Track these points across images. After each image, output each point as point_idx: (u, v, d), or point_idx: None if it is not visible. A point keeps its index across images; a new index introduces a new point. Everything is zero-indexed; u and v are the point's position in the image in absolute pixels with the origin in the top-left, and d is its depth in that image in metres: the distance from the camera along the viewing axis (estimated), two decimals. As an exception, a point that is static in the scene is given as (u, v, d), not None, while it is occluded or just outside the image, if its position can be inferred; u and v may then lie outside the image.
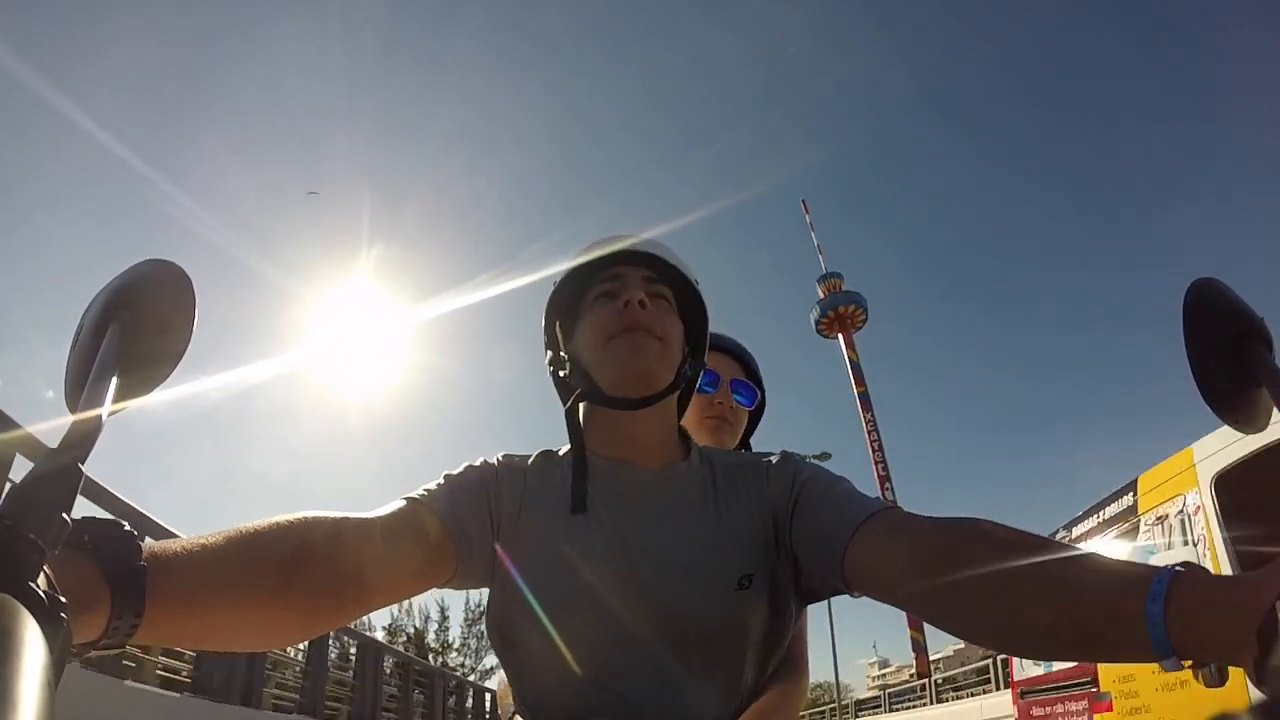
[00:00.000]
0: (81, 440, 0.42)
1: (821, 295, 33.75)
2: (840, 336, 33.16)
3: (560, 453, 0.86)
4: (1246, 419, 0.55)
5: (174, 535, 0.60)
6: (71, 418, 0.43)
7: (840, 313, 32.98)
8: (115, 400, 0.46)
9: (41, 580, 0.35)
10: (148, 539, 0.53)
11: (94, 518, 0.48)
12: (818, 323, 33.82)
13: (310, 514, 0.64)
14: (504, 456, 0.85)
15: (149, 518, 4.83)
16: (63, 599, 0.35)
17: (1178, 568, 0.48)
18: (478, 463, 0.83)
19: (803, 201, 36.97)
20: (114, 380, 0.46)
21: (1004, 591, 0.57)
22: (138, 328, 0.50)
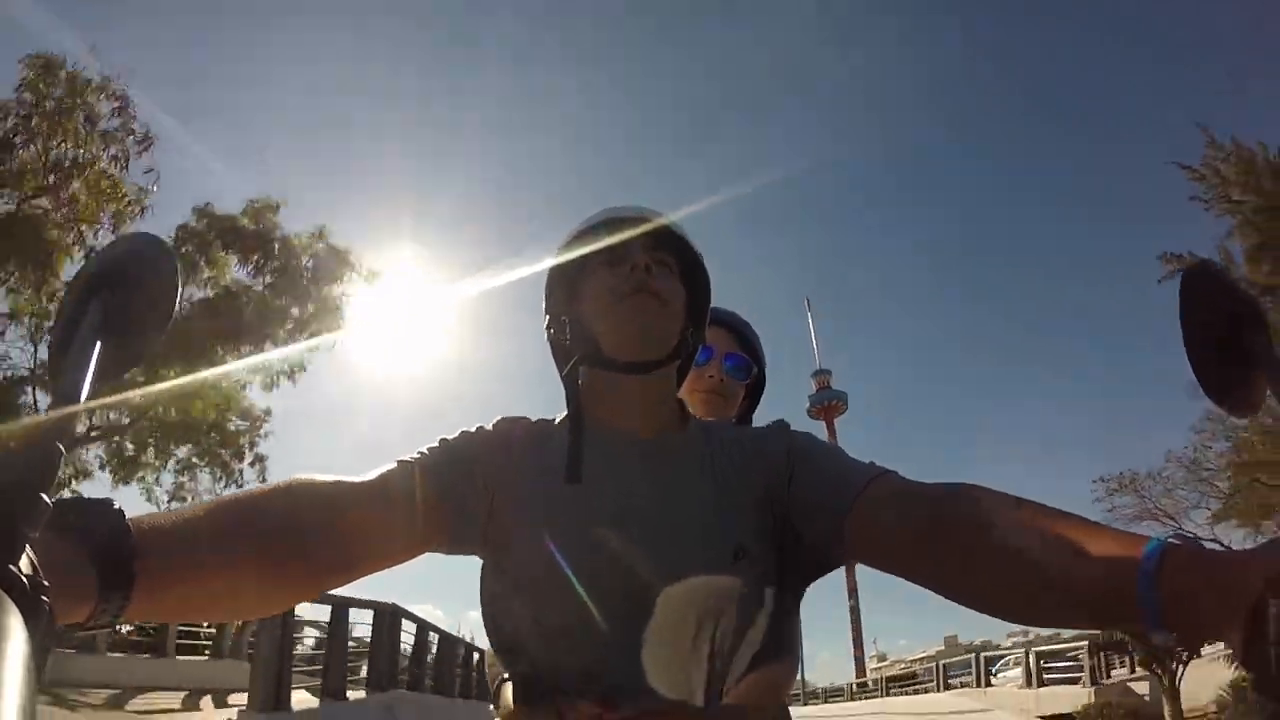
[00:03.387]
0: (62, 418, 0.41)
1: (814, 388, 39.67)
2: (824, 421, 38.78)
3: (557, 419, 0.86)
4: (1242, 403, 0.55)
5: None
6: (51, 397, 0.43)
7: (826, 405, 38.71)
8: (97, 376, 0.45)
9: (24, 563, 0.34)
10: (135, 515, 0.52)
11: (79, 497, 0.47)
12: (808, 410, 39.71)
13: (300, 479, 0.64)
14: (500, 421, 0.84)
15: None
16: (45, 582, 0.34)
17: (1170, 539, 0.48)
18: (474, 428, 0.83)
19: (806, 300, 42.43)
20: (95, 356, 0.45)
21: (998, 560, 0.57)
22: (121, 303, 0.49)
